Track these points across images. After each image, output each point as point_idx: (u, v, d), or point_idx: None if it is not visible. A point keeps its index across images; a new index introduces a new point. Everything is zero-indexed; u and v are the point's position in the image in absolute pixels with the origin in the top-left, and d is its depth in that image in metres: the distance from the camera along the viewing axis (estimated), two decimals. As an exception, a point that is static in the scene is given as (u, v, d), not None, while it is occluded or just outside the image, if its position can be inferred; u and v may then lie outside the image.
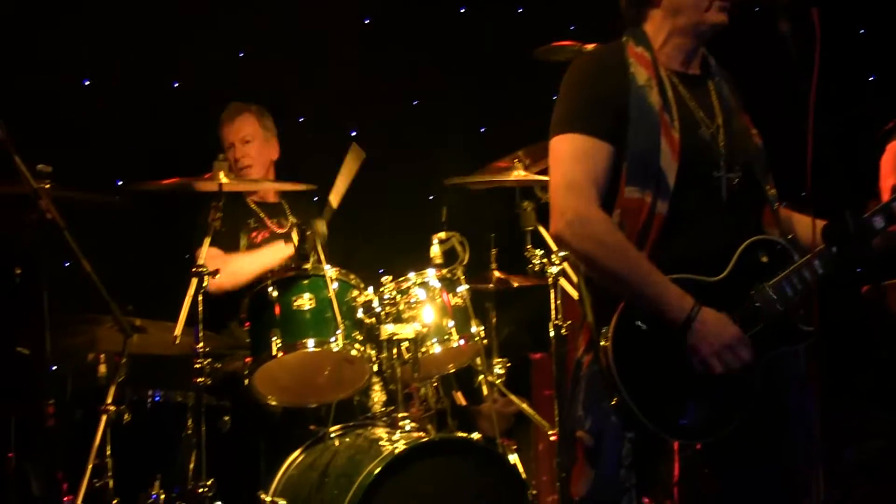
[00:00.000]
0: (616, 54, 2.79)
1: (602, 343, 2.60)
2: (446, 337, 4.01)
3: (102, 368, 4.11)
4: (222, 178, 3.99)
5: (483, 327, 4.13)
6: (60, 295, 3.32)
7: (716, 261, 2.70)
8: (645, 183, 2.65)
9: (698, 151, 2.73)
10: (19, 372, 4.07)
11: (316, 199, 5.13)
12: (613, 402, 2.58)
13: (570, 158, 2.68)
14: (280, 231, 4.93)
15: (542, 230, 4.23)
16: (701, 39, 2.84)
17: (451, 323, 4.02)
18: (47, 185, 3.65)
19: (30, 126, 4.46)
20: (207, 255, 3.98)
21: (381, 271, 4.24)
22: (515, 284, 4.82)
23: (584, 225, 2.62)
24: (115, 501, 3.83)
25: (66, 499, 3.81)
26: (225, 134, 5.01)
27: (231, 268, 4.49)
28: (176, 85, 5.65)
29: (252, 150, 4.97)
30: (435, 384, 4.36)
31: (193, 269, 3.76)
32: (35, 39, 5.12)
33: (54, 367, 3.31)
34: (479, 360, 4.27)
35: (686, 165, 2.69)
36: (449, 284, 4.11)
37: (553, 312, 4.00)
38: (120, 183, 4.96)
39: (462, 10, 6.30)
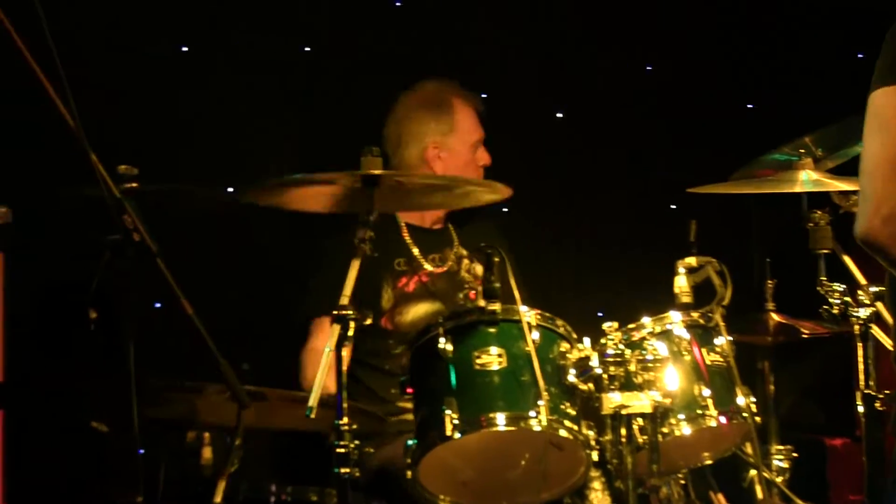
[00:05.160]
0: None
1: None
2: (700, 412, 3.91)
3: (207, 452, 4.07)
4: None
5: (754, 399, 4.01)
6: (150, 348, 3.23)
7: None
8: None
9: None
10: (94, 456, 4.19)
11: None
12: None
13: None
14: (439, 272, 4.87)
15: (844, 256, 4.17)
16: None
17: (707, 391, 3.92)
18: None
19: (110, 114, 4.57)
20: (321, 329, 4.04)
21: (600, 314, 4.25)
22: (804, 334, 4.73)
23: None
24: None
25: None
26: (471, 125, 4.97)
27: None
28: (307, 50, 5.57)
29: None
30: (683, 481, 4.21)
31: (335, 313, 3.65)
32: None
33: (142, 451, 3.23)
34: (749, 447, 4.16)
35: None
36: (703, 334, 4.01)
37: (861, 377, 3.93)
38: (231, 190, 5.07)
39: None
